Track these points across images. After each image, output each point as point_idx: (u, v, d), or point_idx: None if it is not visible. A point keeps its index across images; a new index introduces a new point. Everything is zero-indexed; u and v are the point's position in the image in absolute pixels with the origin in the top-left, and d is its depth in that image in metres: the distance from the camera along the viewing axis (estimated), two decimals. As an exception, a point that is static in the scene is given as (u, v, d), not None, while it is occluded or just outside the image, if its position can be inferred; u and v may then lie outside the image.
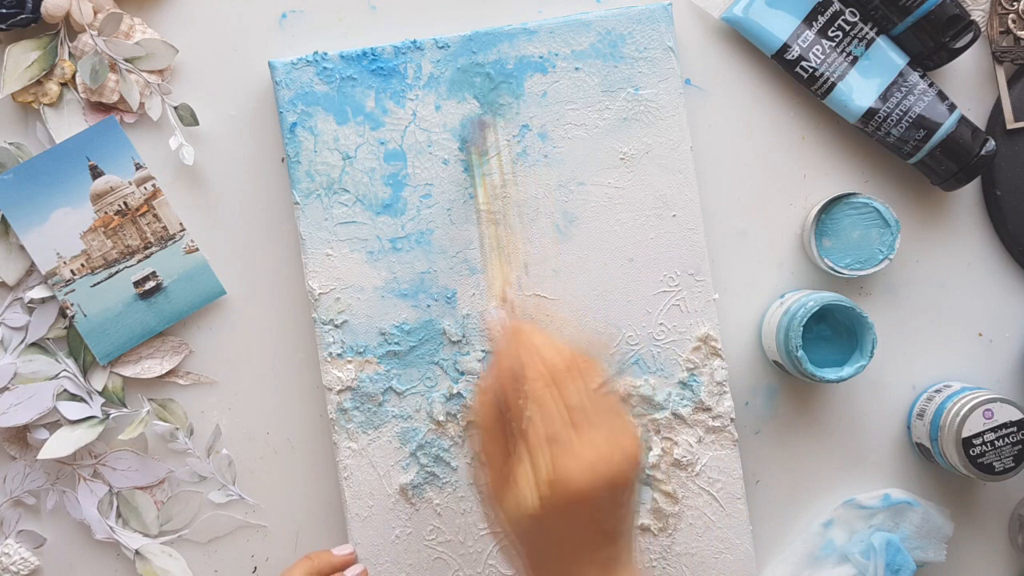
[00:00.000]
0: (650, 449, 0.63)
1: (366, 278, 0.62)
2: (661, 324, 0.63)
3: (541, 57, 0.62)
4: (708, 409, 0.63)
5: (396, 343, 0.62)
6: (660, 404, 0.63)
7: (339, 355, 0.62)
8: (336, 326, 0.62)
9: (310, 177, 0.62)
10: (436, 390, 0.62)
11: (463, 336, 0.62)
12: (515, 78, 0.62)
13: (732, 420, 0.63)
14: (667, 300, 0.63)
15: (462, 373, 0.62)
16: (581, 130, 0.63)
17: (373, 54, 0.62)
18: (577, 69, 0.62)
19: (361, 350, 0.62)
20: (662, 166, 0.63)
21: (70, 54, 0.63)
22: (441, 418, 0.62)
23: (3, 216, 0.63)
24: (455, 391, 0.62)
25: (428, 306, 0.62)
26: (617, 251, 0.63)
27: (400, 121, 0.62)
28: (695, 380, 0.63)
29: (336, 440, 0.62)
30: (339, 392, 0.62)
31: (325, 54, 0.62)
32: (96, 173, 0.64)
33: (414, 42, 0.62)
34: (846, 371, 0.61)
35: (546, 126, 0.62)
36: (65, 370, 0.64)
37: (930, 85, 0.63)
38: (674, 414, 0.63)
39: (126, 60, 0.63)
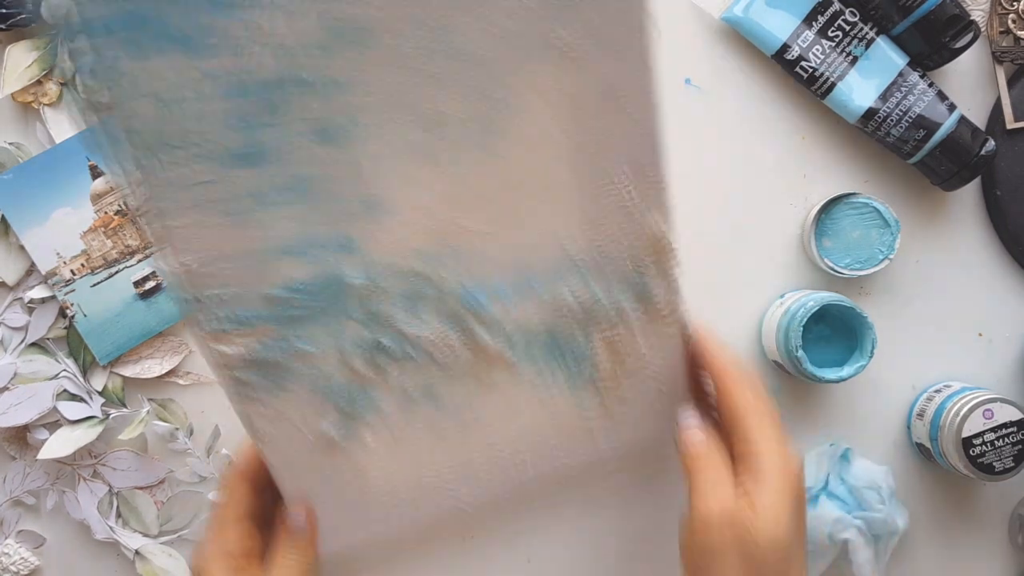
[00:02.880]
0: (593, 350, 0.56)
1: (232, 243, 0.48)
2: (603, 225, 0.52)
3: None
4: (657, 304, 0.54)
5: (290, 305, 0.51)
6: (605, 307, 0.54)
7: (222, 331, 0.50)
8: (210, 301, 0.49)
9: (128, 139, 0.45)
10: (348, 341, 0.53)
11: (370, 281, 0.52)
12: None
13: (683, 309, 0.55)
14: (613, 200, 0.52)
15: (376, 321, 0.53)
16: (503, 16, 0.47)
17: None
18: None
19: (248, 320, 0.51)
20: (608, 49, 0.48)
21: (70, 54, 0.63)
22: (360, 369, 0.53)
23: (3, 216, 0.63)
24: (370, 340, 0.53)
25: (322, 259, 0.50)
26: (554, 160, 0.50)
27: (235, 41, 0.44)
28: (642, 279, 0.54)
29: (240, 411, 0.52)
30: (231, 367, 0.52)
31: None
32: (96, 173, 0.64)
33: None
34: (846, 371, 0.61)
35: (453, 16, 0.46)
36: (65, 370, 0.64)
37: (930, 85, 0.63)
38: (619, 315, 0.54)
39: (126, 60, 0.63)
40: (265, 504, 0.56)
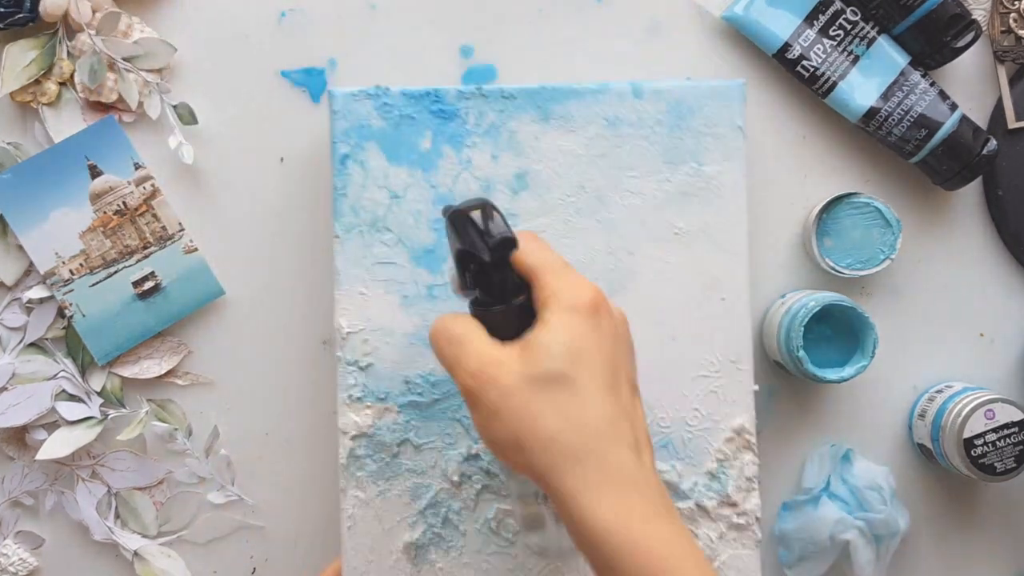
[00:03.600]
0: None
1: (397, 322, 0.59)
2: (696, 409, 0.60)
3: (607, 119, 0.60)
4: (734, 504, 0.60)
5: (419, 393, 0.59)
6: (685, 493, 0.60)
7: (359, 399, 0.59)
8: (360, 368, 0.59)
9: (354, 212, 0.60)
10: (454, 448, 0.59)
11: None
12: (578, 135, 0.60)
13: (758, 519, 0.60)
14: (705, 385, 0.60)
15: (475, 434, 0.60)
16: (638, 198, 0.60)
17: (436, 95, 0.60)
18: (642, 136, 0.60)
19: (383, 396, 0.59)
20: (716, 246, 0.60)
21: (68, 53, 0.63)
22: (455, 478, 0.59)
23: (2, 216, 0.63)
24: (473, 451, 0.59)
25: None
26: (659, 327, 0.60)
27: (454, 167, 0.60)
28: (724, 472, 0.60)
29: (344, 487, 0.59)
30: (353, 438, 0.59)
31: (387, 89, 0.60)
32: (95, 173, 0.63)
33: (479, 88, 0.60)
34: (847, 371, 0.61)
35: (603, 189, 0.60)
36: (63, 370, 0.64)
37: (931, 84, 0.63)
38: (698, 505, 0.60)
39: (124, 59, 0.63)
40: None
